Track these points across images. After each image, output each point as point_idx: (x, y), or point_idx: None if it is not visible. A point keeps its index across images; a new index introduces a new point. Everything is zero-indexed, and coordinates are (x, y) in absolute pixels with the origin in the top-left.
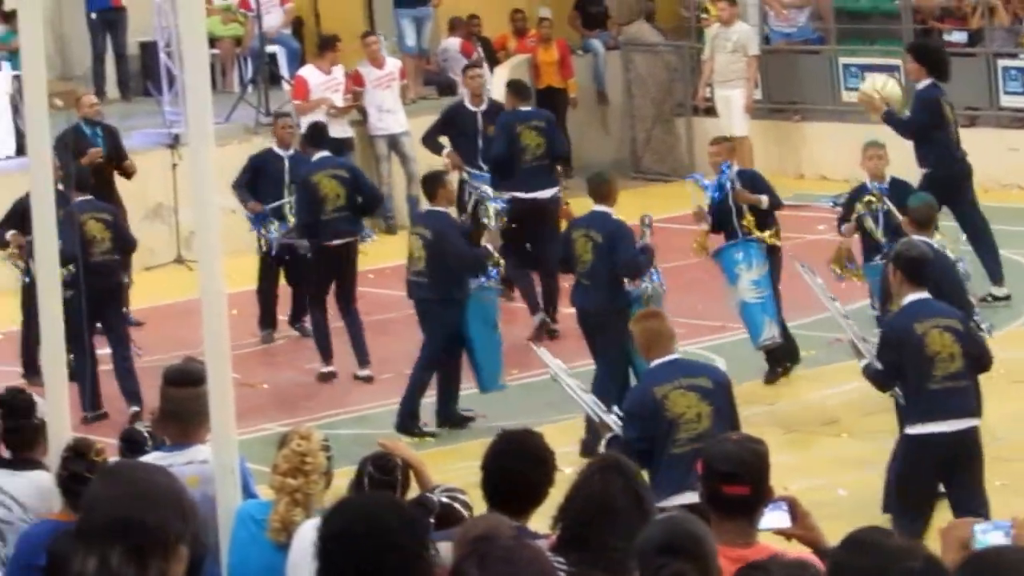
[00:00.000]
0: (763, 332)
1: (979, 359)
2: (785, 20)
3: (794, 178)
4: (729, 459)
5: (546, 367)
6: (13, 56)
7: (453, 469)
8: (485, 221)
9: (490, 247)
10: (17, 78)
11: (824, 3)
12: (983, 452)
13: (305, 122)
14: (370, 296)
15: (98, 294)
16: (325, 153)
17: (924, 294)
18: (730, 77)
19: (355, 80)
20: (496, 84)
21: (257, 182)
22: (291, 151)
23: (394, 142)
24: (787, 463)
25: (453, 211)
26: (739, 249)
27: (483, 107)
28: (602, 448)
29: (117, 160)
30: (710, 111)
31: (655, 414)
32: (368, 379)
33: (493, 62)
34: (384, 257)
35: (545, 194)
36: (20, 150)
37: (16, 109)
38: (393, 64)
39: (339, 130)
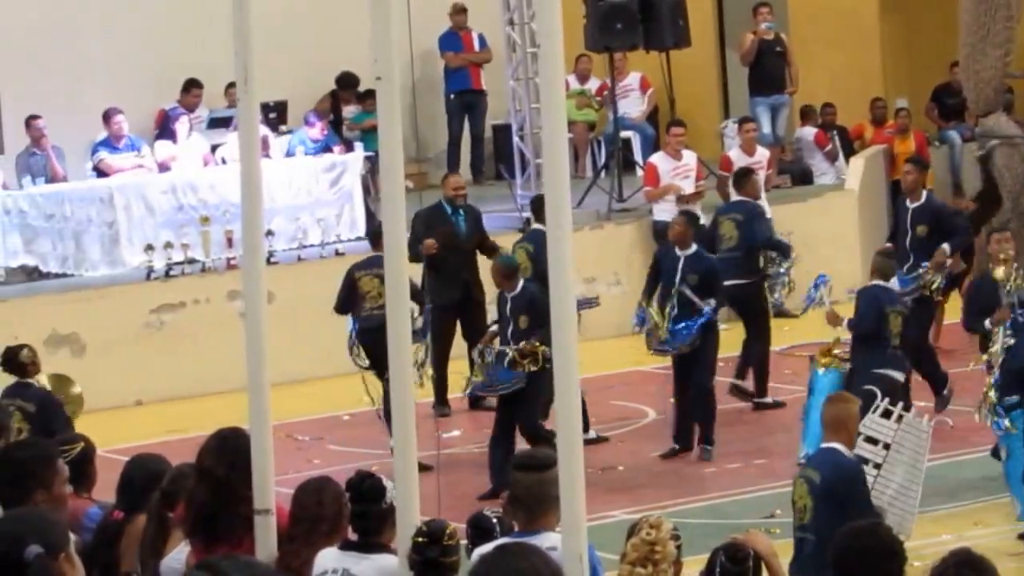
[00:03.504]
0: None
1: None
2: None
3: None
4: None
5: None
6: (366, 136)
7: None
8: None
9: None
10: (369, 158)
11: None
12: None
13: (656, 209)
14: (720, 385)
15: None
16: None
17: None
18: None
19: (724, 166)
20: (852, 175)
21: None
22: (692, 248)
23: None
24: None
25: None
26: None
27: (918, 204)
28: None
29: (480, 242)
30: None
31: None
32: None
33: (849, 151)
34: (738, 346)
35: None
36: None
37: (368, 190)
38: (762, 154)
39: None
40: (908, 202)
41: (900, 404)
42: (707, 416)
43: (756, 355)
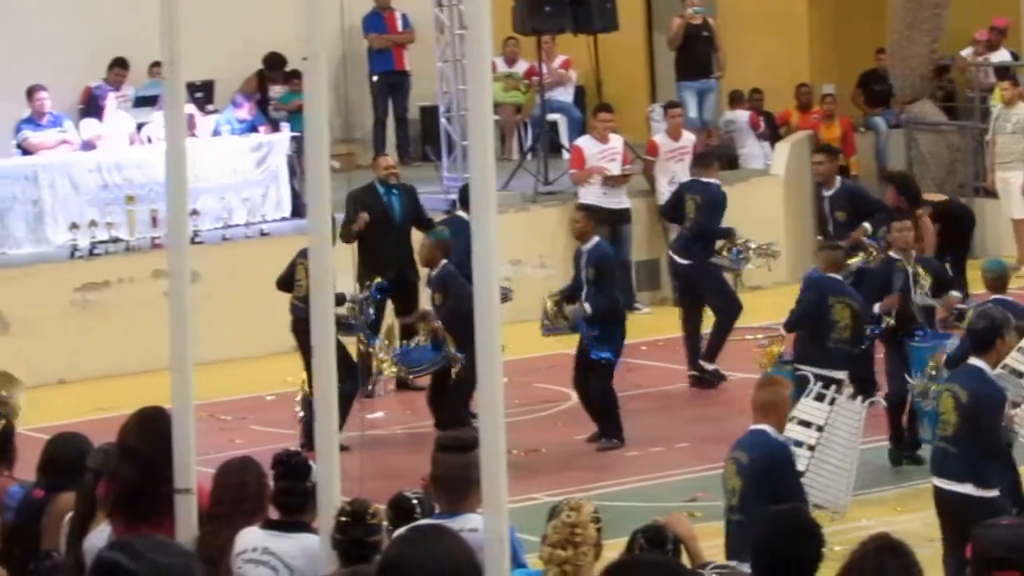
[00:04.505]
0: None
1: None
2: None
3: None
4: (1000, 544)
5: None
6: (293, 116)
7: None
8: None
9: None
10: (296, 139)
11: None
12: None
13: (582, 192)
14: (644, 369)
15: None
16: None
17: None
18: (1010, 159)
19: (650, 150)
20: (778, 160)
21: None
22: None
23: None
24: None
25: None
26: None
27: (832, 191)
28: None
29: (417, 219)
30: (994, 192)
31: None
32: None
33: (775, 137)
34: (661, 329)
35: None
36: (296, 211)
37: (294, 170)
38: (688, 138)
39: (616, 201)
40: (824, 191)
41: (833, 387)
42: (606, 411)
43: (716, 333)
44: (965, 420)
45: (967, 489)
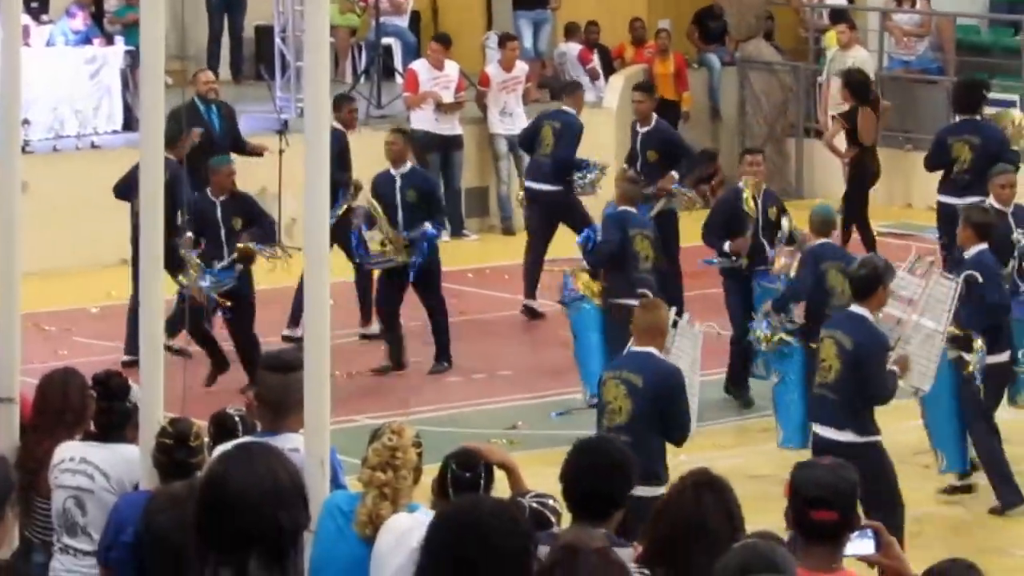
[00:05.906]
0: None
1: None
2: (904, 48)
3: (902, 207)
4: (818, 484)
5: None
6: (128, 30)
7: (544, 474)
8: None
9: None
10: (130, 53)
11: (945, 34)
12: None
13: (413, 117)
14: (470, 296)
15: None
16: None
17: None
18: (842, 101)
19: (483, 81)
20: (611, 94)
21: None
22: (407, 166)
23: (514, 144)
24: None
25: None
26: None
27: (647, 128)
28: None
29: (234, 141)
30: (822, 134)
31: (598, 395)
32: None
33: (609, 70)
34: (488, 257)
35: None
36: (128, 125)
37: (127, 84)
38: (521, 69)
39: (448, 127)
40: (638, 126)
41: (674, 309)
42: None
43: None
44: (849, 367)
45: (848, 437)
